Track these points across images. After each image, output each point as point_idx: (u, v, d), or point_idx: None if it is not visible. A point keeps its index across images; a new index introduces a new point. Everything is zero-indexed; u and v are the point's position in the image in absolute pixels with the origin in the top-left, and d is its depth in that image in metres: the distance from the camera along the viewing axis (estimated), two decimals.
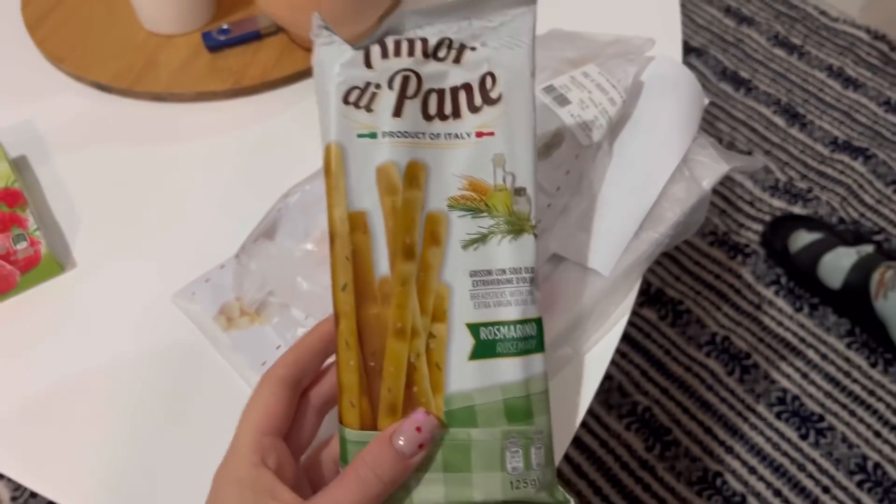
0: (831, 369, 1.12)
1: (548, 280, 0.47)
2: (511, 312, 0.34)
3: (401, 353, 0.33)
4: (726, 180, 1.34)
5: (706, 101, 0.57)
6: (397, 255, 0.33)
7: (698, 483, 1.02)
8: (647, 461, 1.04)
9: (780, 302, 1.19)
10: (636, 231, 0.48)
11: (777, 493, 1.01)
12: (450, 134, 0.34)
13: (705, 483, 1.02)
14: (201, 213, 0.52)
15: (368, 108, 0.33)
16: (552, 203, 0.48)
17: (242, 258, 0.47)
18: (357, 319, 0.33)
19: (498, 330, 0.33)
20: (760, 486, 1.02)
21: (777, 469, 1.03)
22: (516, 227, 0.34)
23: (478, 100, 0.35)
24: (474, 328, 0.33)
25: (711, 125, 1.43)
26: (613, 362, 1.10)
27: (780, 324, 1.17)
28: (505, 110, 0.35)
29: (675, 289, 1.20)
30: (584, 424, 1.07)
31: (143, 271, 0.49)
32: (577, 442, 1.05)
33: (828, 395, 1.10)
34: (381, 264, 0.33)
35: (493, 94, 0.35)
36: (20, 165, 0.54)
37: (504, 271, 0.34)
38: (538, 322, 0.35)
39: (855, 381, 1.11)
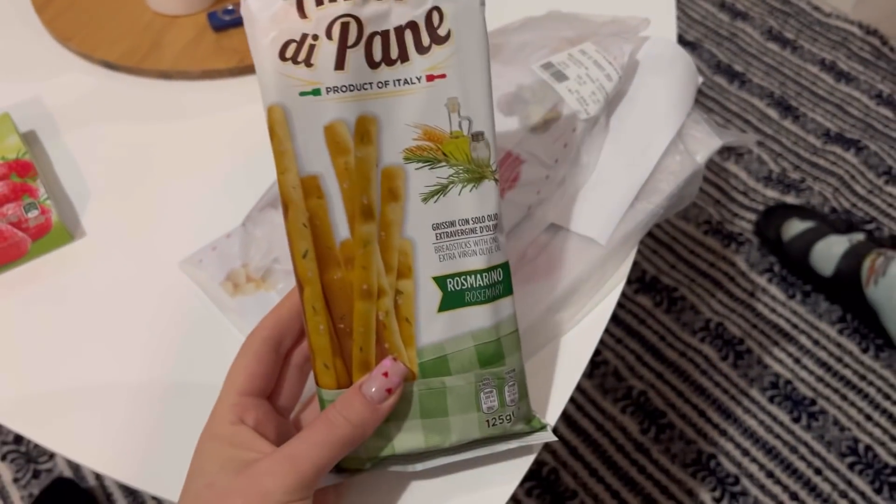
0: (823, 354, 1.14)
1: (546, 248, 0.48)
2: (477, 262, 0.33)
3: (368, 313, 0.33)
4: (721, 171, 1.36)
5: (700, 80, 0.59)
6: (356, 217, 0.32)
7: (693, 465, 1.04)
8: (642, 444, 1.05)
9: (773, 289, 1.21)
10: (632, 202, 0.50)
11: (770, 474, 1.03)
12: (399, 80, 0.32)
13: (699, 465, 1.04)
14: (207, 185, 0.53)
15: (308, 63, 0.31)
16: (550, 175, 0.50)
17: (249, 226, 0.49)
18: (322, 285, 0.33)
19: (465, 280, 0.33)
20: (753, 468, 1.03)
21: (770, 451, 1.05)
22: (476, 174, 0.33)
23: (425, 39, 0.32)
24: (441, 281, 0.33)
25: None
26: (609, 347, 1.12)
27: (773, 310, 1.18)
28: (455, 49, 0.32)
29: (670, 276, 1.22)
30: (579, 408, 1.08)
31: (150, 241, 0.50)
32: (573, 425, 1.07)
33: (820, 379, 1.11)
34: (341, 228, 0.32)
35: (442, 31, 0.32)
36: (30, 140, 0.55)
37: (467, 221, 0.33)
38: (504, 267, 0.35)
39: (846, 366, 1.13)
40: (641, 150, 0.52)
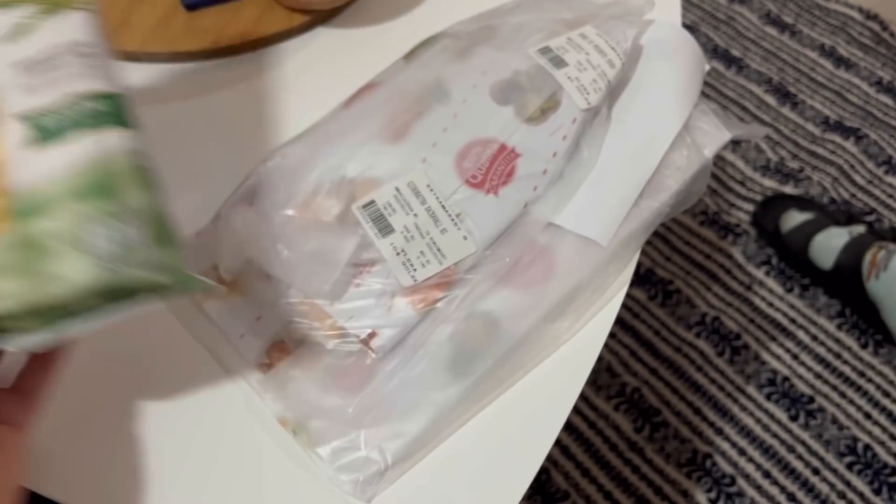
0: (822, 350, 1.12)
1: (543, 250, 0.45)
2: (72, 88, 0.32)
3: None
4: (717, 160, 1.33)
5: (707, 68, 0.55)
6: None
7: (687, 465, 1.01)
8: (635, 443, 1.03)
9: (771, 282, 1.18)
10: (636, 199, 0.46)
11: (766, 474, 1.01)
12: None
13: (694, 465, 1.01)
14: (176, 177, 0.49)
15: None
16: (548, 169, 0.46)
17: (219, 224, 0.45)
18: None
19: (59, 112, 0.31)
20: (750, 468, 1.01)
21: (767, 451, 1.03)
22: (54, 4, 0.33)
23: None
24: (29, 117, 0.31)
25: None
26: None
27: (770, 304, 1.16)
28: None
29: (665, 269, 1.19)
30: None
31: None
32: (565, 423, 1.04)
33: (818, 376, 1.09)
34: None
35: None
36: None
37: (54, 49, 0.32)
38: (111, 97, 0.33)
39: (845, 362, 1.11)
40: (646, 144, 0.49)
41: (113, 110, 0.33)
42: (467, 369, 0.41)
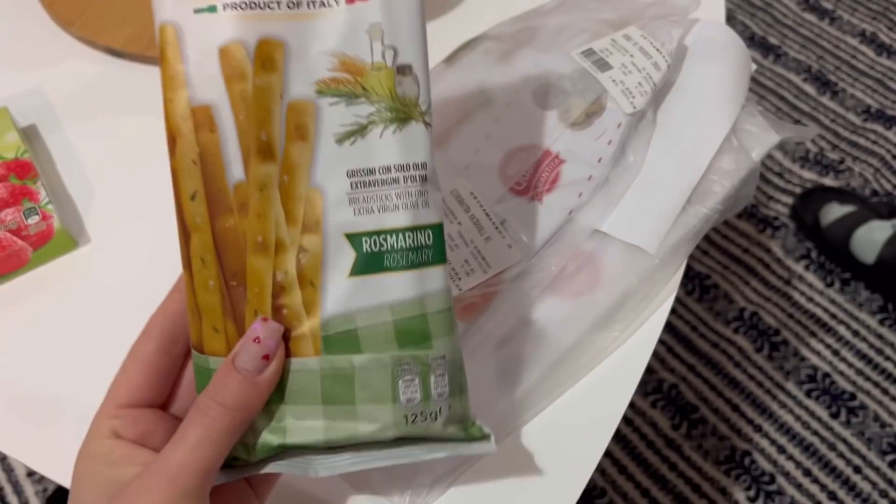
0: (863, 346, 1.10)
1: (590, 258, 0.44)
2: (399, 218, 0.29)
3: (264, 270, 0.28)
4: None
5: (754, 67, 0.54)
6: (251, 155, 0.28)
7: (726, 462, 1.00)
8: (673, 440, 1.02)
9: (811, 277, 1.16)
10: (683, 205, 0.46)
11: (807, 472, 0.99)
12: (314, 1, 0.28)
13: (733, 462, 1.00)
14: None
15: None
16: (593, 175, 0.45)
17: None
18: (212, 233, 0.28)
19: (384, 240, 0.28)
20: (790, 466, 1.00)
21: (807, 448, 1.01)
22: (401, 114, 0.29)
23: None
24: (355, 239, 0.28)
25: None
26: None
27: (810, 299, 1.14)
28: None
29: (702, 263, 1.17)
30: None
31: (160, 245, 0.46)
32: None
33: (859, 372, 1.07)
34: (235, 167, 0.28)
35: None
36: (30, 135, 0.51)
37: (389, 169, 0.28)
38: (435, 229, 0.30)
39: (888, 358, 1.08)
40: (693, 148, 0.48)
41: (437, 244, 0.30)
42: (514, 382, 0.40)
